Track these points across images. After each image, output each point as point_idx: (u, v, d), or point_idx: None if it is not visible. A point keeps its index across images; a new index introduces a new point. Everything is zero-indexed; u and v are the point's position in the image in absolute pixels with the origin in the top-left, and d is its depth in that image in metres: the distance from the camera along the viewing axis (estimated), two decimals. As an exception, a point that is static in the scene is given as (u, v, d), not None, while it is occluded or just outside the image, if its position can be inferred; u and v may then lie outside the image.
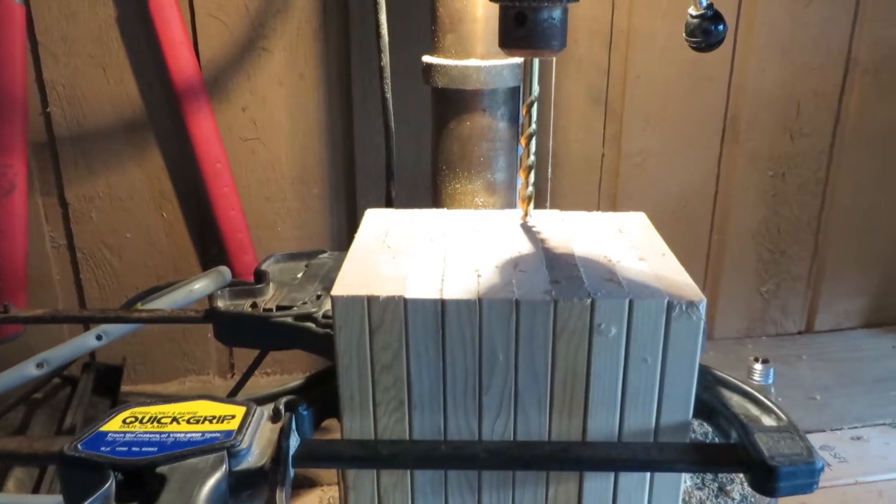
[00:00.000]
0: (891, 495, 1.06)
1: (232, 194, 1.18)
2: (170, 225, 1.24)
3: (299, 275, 0.84)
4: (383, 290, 0.55)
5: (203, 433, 0.52)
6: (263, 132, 1.21)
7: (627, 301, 0.54)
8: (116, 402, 1.20)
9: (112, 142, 1.18)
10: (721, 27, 0.73)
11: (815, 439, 1.18)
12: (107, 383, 1.22)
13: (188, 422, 0.53)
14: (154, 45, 1.11)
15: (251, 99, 1.19)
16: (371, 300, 0.54)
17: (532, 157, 0.67)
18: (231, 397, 0.60)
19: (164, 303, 0.99)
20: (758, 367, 1.10)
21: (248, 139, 1.21)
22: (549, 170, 1.23)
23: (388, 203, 1.04)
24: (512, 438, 0.57)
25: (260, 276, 0.81)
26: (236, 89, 1.19)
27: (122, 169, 1.20)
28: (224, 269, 1.06)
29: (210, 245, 1.25)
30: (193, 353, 1.32)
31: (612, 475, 0.58)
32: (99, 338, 0.94)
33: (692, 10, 0.72)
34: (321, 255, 0.89)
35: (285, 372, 1.36)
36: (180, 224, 1.24)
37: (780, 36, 1.30)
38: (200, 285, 1.00)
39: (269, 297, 0.78)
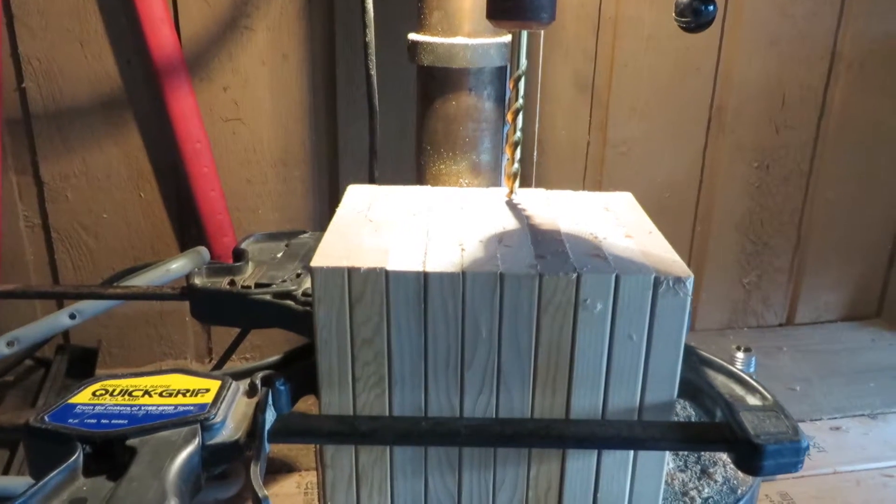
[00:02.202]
0: (868, 484, 1.06)
1: (212, 175, 1.16)
2: (148, 205, 1.21)
3: (279, 254, 0.82)
4: (364, 261, 0.53)
5: (176, 406, 0.50)
6: (245, 113, 1.19)
7: (614, 276, 0.53)
8: (90, 385, 1.17)
9: (89, 119, 1.16)
10: (711, 7, 0.72)
11: (794, 429, 1.19)
12: (81, 366, 1.20)
13: (161, 395, 0.52)
14: (133, 21, 1.09)
15: (233, 79, 1.17)
16: (352, 272, 0.53)
17: (518, 134, 0.66)
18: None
19: (140, 282, 0.97)
20: (739, 355, 1.10)
21: (229, 119, 1.19)
22: (535, 154, 1.22)
23: (372, 183, 1.02)
24: (494, 416, 0.56)
25: (239, 255, 0.80)
26: (218, 68, 1.16)
27: (99, 147, 1.17)
28: (202, 250, 1.04)
29: (189, 226, 1.23)
30: (170, 337, 1.30)
31: (594, 455, 0.57)
32: (72, 316, 0.92)
33: (682, -10, 0.71)
34: (302, 235, 0.88)
35: (264, 357, 1.34)
36: (159, 204, 1.22)
37: (767, 28, 1.30)
38: (178, 265, 0.98)
39: (248, 275, 0.76)
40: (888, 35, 1.35)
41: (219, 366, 1.06)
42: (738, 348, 1.10)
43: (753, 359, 1.10)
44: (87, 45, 1.12)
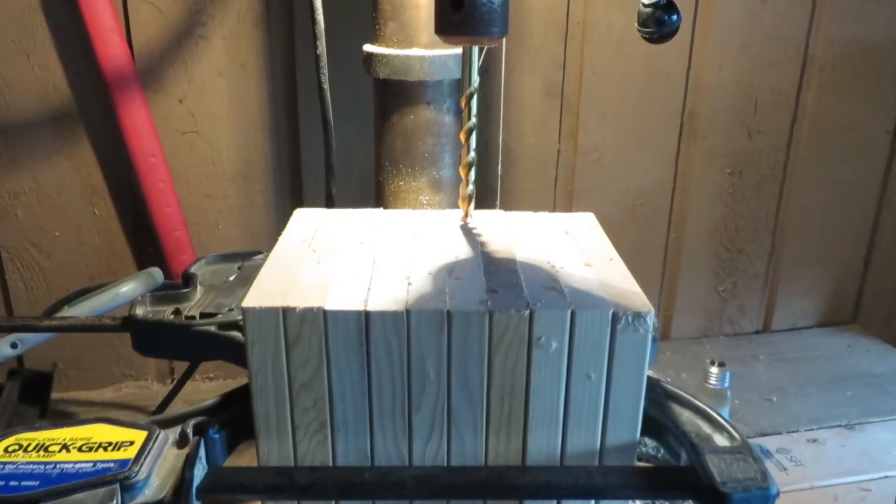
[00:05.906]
0: (846, 499, 1.04)
1: (168, 190, 1.12)
2: (103, 222, 1.17)
3: (231, 278, 0.78)
4: (301, 300, 0.50)
5: (95, 463, 0.46)
6: (203, 125, 1.15)
7: (569, 312, 0.49)
8: (46, 410, 1.13)
9: (39, 133, 1.11)
10: (675, 17, 0.69)
11: (771, 442, 1.17)
12: (35, 391, 1.15)
13: (80, 449, 0.47)
14: (82, 31, 1.04)
15: (189, 89, 1.13)
16: (287, 312, 0.49)
17: (472, 154, 0.63)
18: (150, 412, 0.54)
19: (87, 307, 0.92)
20: (714, 370, 1.07)
21: (186, 132, 1.15)
22: (500, 166, 1.18)
23: (329, 201, 0.99)
24: (445, 462, 0.52)
25: (187, 280, 0.76)
26: (173, 79, 1.12)
27: (49, 162, 1.12)
28: (155, 271, 0.99)
29: (146, 243, 1.18)
30: (130, 358, 1.25)
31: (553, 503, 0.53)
32: (14, 346, 0.87)
33: (645, 0, 0.68)
34: (256, 257, 0.84)
35: (228, 377, 1.29)
36: (114, 221, 1.17)
37: (738, 31, 1.28)
38: (128, 288, 0.93)
39: (195, 303, 0.72)
40: (859, 38, 1.33)
41: (174, 392, 1.01)
42: (713, 363, 1.07)
43: (728, 373, 1.07)
44: (33, 57, 1.07)
